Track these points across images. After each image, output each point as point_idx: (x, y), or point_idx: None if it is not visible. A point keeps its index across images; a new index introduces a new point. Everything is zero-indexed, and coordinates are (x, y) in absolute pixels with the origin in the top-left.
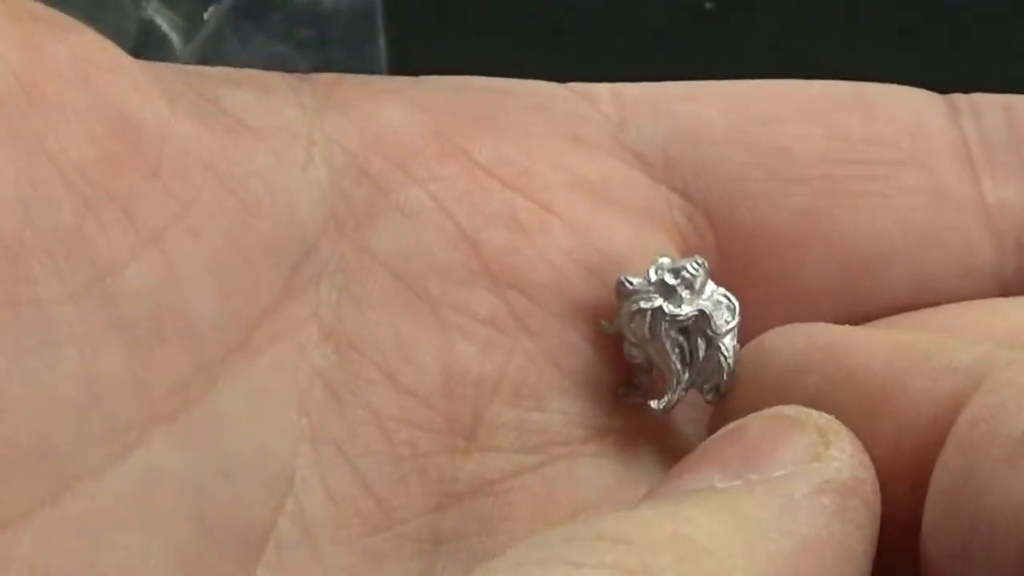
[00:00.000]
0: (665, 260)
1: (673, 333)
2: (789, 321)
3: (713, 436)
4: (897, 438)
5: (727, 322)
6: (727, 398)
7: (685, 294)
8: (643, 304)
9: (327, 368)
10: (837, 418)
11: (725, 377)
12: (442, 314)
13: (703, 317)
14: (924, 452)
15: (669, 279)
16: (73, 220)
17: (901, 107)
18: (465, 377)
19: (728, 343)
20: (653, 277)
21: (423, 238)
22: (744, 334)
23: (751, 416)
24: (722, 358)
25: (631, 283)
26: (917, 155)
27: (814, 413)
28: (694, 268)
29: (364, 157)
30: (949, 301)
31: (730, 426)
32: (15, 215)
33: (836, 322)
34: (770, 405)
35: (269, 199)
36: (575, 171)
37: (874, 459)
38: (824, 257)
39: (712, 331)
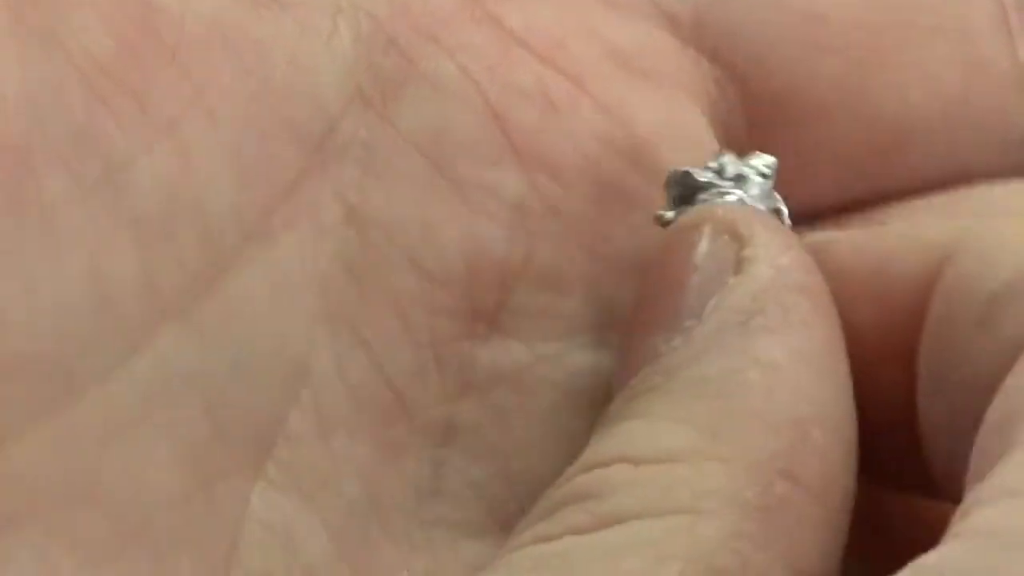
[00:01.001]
0: (728, 156)
1: None
2: (817, 194)
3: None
4: (882, 321)
5: None
6: None
7: (763, 189)
8: (727, 196)
9: (348, 250)
10: None
11: None
12: (468, 195)
13: (779, 215)
14: (911, 332)
15: (750, 173)
16: (85, 117)
17: None
18: (489, 261)
19: None
20: (730, 170)
21: (451, 113)
22: None
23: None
24: None
25: (699, 175)
26: (953, 20)
27: (716, 211)
28: (768, 166)
29: (392, 25)
30: (983, 177)
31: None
32: (23, 114)
33: (865, 196)
34: None
35: (291, 75)
36: (608, 39)
37: (863, 346)
38: (853, 128)
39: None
